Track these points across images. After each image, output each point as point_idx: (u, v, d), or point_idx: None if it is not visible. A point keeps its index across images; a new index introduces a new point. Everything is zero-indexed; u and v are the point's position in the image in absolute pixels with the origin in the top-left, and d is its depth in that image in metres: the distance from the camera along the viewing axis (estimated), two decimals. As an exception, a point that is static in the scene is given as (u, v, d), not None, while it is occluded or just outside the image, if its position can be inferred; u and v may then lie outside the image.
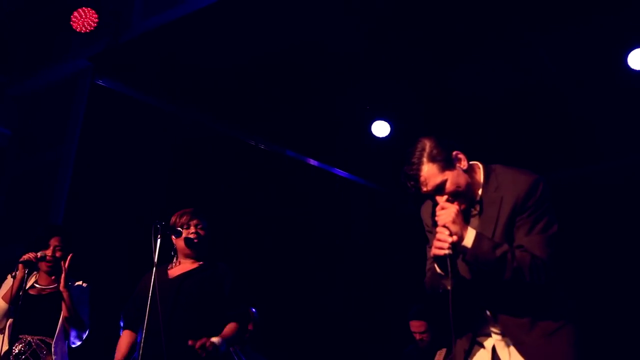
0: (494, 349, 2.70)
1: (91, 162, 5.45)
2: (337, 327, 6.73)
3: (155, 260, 3.40)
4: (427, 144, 2.68)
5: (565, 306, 2.67)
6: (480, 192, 2.70)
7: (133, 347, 3.67)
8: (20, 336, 3.98)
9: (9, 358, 3.90)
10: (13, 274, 4.00)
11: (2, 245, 5.60)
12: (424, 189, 2.66)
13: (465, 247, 2.55)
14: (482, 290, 2.67)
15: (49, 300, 4.09)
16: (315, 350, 6.41)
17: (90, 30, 5.32)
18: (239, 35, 5.17)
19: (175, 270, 3.71)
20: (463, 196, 2.64)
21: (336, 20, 5.01)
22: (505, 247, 2.55)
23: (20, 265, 3.98)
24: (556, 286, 2.67)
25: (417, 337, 5.60)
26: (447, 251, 2.54)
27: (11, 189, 6.03)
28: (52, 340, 3.99)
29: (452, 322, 2.53)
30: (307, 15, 4.95)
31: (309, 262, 6.73)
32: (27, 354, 3.93)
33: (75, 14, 5.31)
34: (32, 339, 3.98)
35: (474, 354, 2.72)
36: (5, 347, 3.92)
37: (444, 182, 2.62)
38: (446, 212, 2.59)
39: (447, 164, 2.63)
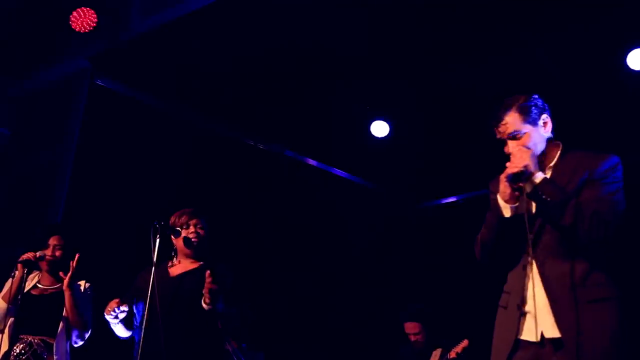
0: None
1: (90, 162, 5.44)
2: (335, 327, 6.72)
3: (155, 260, 3.40)
4: (523, 97, 2.80)
5: (614, 283, 2.63)
6: (554, 162, 2.79)
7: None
8: (21, 336, 3.97)
9: (9, 358, 3.89)
10: (13, 274, 3.99)
11: (1, 246, 5.59)
12: (499, 134, 2.81)
13: (533, 182, 2.64)
14: (537, 236, 2.69)
15: (51, 300, 4.09)
16: (313, 349, 6.41)
17: (90, 30, 5.31)
18: (238, 35, 5.17)
19: (175, 269, 3.71)
20: (533, 157, 2.73)
21: (335, 19, 5.01)
22: (571, 195, 2.61)
23: (19, 265, 3.98)
24: (607, 260, 2.66)
25: (412, 338, 5.59)
26: (522, 168, 2.64)
27: (10, 189, 6.02)
28: (54, 341, 3.99)
29: (529, 237, 2.64)
30: (306, 15, 4.95)
31: (308, 262, 6.73)
32: (27, 354, 3.93)
33: (74, 13, 5.30)
34: (33, 339, 3.98)
35: (523, 321, 2.70)
36: (6, 347, 3.91)
37: (519, 133, 2.75)
38: (524, 151, 2.69)
39: (532, 120, 2.76)
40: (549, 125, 2.81)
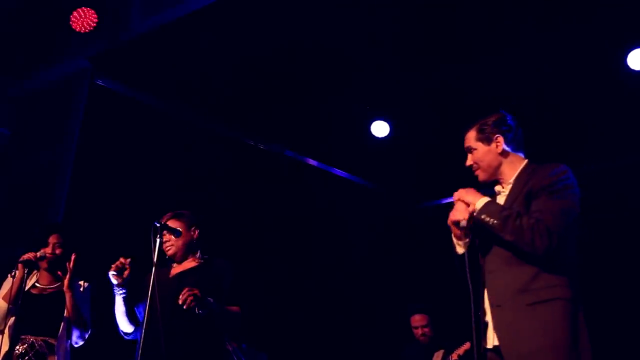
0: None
1: (90, 162, 5.44)
2: (336, 327, 6.72)
3: (155, 260, 3.40)
4: (492, 118, 3.07)
5: (565, 285, 2.70)
6: (514, 177, 2.96)
7: (135, 318, 3.72)
8: (23, 337, 3.96)
9: (12, 359, 3.88)
10: (13, 273, 3.99)
11: (1, 246, 5.58)
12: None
13: (475, 210, 2.82)
14: (485, 255, 2.89)
15: (51, 300, 4.08)
16: (314, 349, 6.41)
17: (90, 30, 5.32)
18: (238, 35, 5.17)
19: (175, 269, 3.73)
20: (484, 171, 3.04)
21: (335, 20, 5.01)
22: (513, 211, 2.75)
23: (20, 265, 3.97)
24: (560, 264, 2.73)
25: (419, 332, 5.57)
26: (460, 219, 2.87)
27: (10, 189, 6.02)
28: (54, 341, 3.98)
29: (470, 283, 2.86)
30: (306, 15, 4.95)
31: (308, 262, 6.73)
32: (30, 355, 3.92)
33: (75, 13, 5.30)
34: (35, 339, 3.97)
35: (485, 330, 2.86)
36: (6, 348, 3.90)
37: (472, 149, 3.06)
38: (462, 189, 2.95)
39: (485, 138, 3.03)
40: (500, 145, 2.99)
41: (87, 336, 4.14)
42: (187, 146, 6.04)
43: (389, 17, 4.97)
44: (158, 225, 3.48)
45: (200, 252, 3.82)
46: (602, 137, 5.77)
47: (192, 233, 3.82)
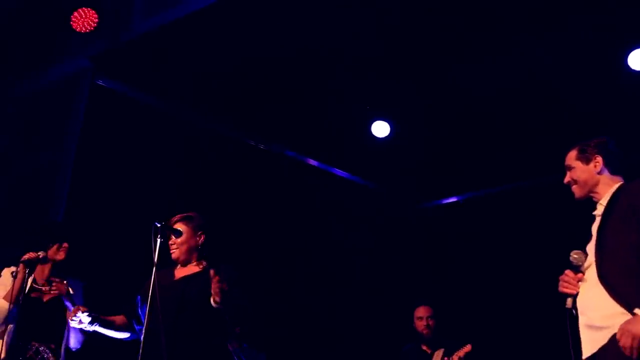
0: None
1: (91, 162, 5.44)
2: (337, 326, 6.73)
3: (156, 260, 3.40)
4: (595, 140, 3.24)
5: None
6: (608, 198, 3.08)
7: (124, 325, 3.75)
8: (27, 344, 3.94)
9: None
10: (13, 272, 3.98)
11: (1, 246, 5.58)
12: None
13: None
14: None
15: (52, 307, 4.06)
16: (313, 350, 6.41)
17: (91, 30, 5.32)
18: (239, 35, 5.18)
19: (179, 272, 3.72)
20: (580, 188, 3.19)
21: (336, 20, 5.02)
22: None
23: (21, 265, 3.96)
24: None
25: (423, 323, 5.51)
26: (573, 292, 3.00)
27: (10, 189, 6.02)
28: (58, 346, 3.98)
29: (570, 339, 2.95)
30: (307, 16, 4.96)
31: (308, 262, 6.73)
32: None
33: (76, 14, 5.31)
34: (39, 345, 3.96)
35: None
36: (3, 355, 3.88)
37: (571, 167, 3.22)
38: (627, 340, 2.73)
39: (584, 158, 3.19)
40: (598, 165, 3.15)
41: (84, 339, 4.13)
42: (187, 146, 6.04)
43: (389, 17, 4.97)
44: (159, 225, 3.48)
45: (205, 257, 3.80)
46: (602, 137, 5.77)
47: (198, 238, 3.79)
